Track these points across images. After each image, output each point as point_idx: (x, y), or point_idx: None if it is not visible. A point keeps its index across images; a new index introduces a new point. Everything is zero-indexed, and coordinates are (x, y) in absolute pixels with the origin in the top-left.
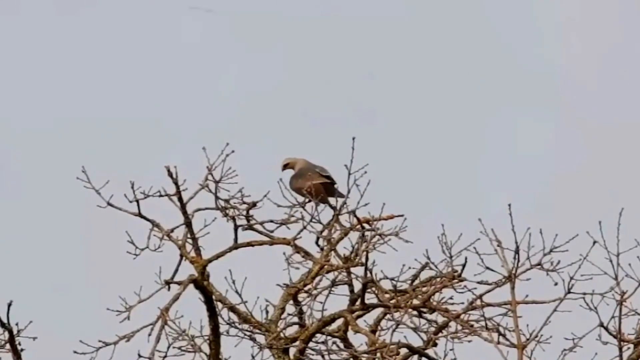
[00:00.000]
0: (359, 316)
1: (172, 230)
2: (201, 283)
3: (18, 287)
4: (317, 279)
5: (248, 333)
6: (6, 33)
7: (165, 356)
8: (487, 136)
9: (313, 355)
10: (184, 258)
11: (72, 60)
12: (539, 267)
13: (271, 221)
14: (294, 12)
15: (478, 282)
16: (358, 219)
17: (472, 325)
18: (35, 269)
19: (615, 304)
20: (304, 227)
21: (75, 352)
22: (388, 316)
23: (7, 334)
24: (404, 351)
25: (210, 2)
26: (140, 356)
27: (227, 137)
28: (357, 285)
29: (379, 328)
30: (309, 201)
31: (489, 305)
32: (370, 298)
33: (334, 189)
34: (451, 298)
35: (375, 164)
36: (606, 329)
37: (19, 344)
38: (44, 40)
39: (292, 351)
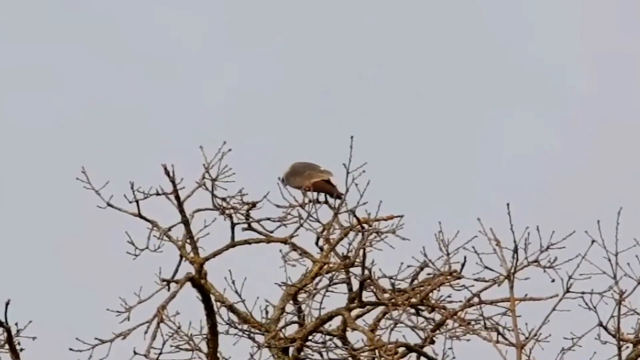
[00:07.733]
0: (358, 315)
1: (169, 229)
2: (198, 281)
3: (18, 287)
4: (317, 279)
5: (247, 332)
6: (6, 32)
7: (160, 353)
8: (485, 135)
9: (312, 355)
10: (184, 258)
11: (71, 59)
12: (535, 264)
13: (268, 219)
14: (292, 12)
15: (475, 280)
16: (358, 219)
17: (468, 323)
18: (35, 268)
19: (614, 303)
20: (301, 225)
21: (71, 349)
22: (387, 315)
23: (5, 334)
24: (402, 350)
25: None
26: (135, 353)
27: (224, 136)
28: (356, 284)
29: (378, 327)
30: (310, 201)
31: (485, 302)
32: (368, 296)
33: (334, 187)
34: (449, 296)
35: (372, 163)
36: (605, 328)
37: (19, 343)
38: (43, 39)
39: (292, 350)
